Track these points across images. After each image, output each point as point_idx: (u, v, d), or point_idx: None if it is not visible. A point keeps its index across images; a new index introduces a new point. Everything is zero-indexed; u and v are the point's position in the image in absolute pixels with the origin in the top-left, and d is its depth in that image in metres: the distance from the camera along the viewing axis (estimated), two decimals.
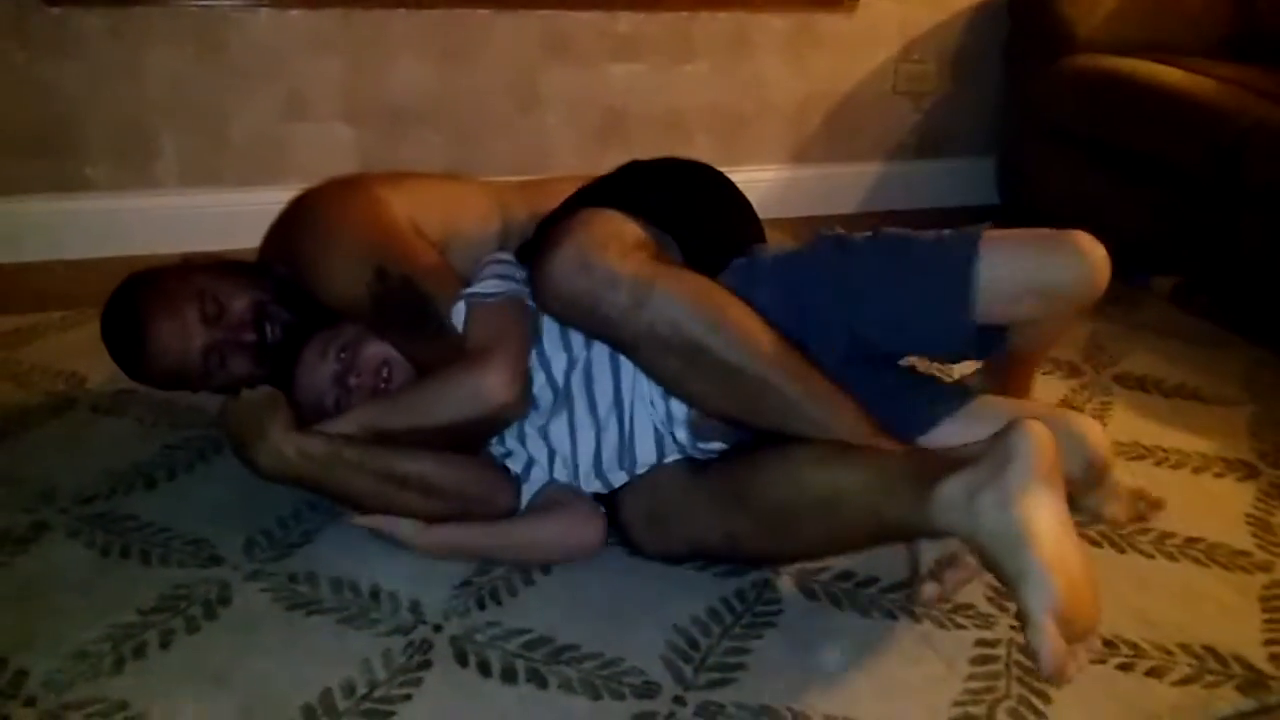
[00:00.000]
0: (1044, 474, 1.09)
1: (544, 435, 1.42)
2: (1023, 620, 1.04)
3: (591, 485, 1.41)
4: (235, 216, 2.29)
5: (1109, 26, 2.66)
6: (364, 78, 2.48)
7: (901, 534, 1.25)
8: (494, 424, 1.37)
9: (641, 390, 1.38)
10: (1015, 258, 1.35)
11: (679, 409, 1.37)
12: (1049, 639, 1.01)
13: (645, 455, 1.39)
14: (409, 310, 1.38)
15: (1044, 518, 1.06)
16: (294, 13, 2.38)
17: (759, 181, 1.64)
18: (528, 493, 1.41)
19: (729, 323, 1.26)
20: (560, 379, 1.40)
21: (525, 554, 1.37)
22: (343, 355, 1.41)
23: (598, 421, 1.39)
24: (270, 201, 1.58)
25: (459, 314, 1.37)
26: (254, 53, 2.39)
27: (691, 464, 1.39)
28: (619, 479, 1.40)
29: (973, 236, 1.36)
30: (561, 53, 2.61)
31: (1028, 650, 1.02)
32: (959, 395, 1.44)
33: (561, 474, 1.42)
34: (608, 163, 1.58)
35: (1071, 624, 1.03)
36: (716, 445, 1.38)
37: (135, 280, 1.52)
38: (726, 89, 2.80)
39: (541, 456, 1.42)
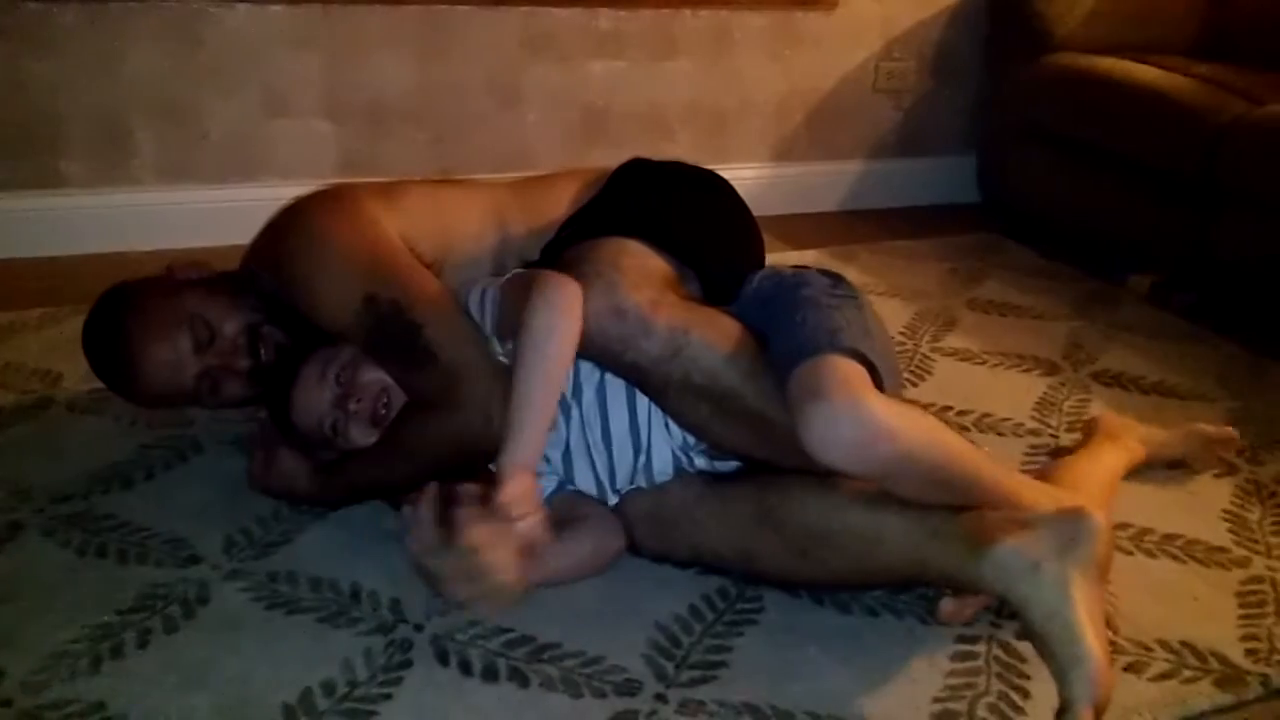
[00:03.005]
0: (1100, 564, 1.14)
1: (559, 456, 1.38)
2: (1063, 703, 1.06)
3: (607, 497, 1.38)
4: (213, 214, 2.29)
5: (1087, 26, 2.69)
6: (343, 74, 2.47)
7: (938, 582, 1.26)
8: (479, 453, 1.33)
9: (659, 415, 1.34)
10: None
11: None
12: None
13: (663, 477, 1.37)
14: (398, 339, 1.33)
15: (1093, 607, 1.11)
16: (273, 8, 2.37)
17: (740, 179, 1.63)
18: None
19: (762, 370, 1.24)
20: (570, 400, 1.36)
21: (559, 576, 1.32)
22: (341, 379, 1.37)
23: (610, 446, 1.35)
24: (249, 199, 1.57)
25: (474, 302, 1.34)
26: (232, 48, 2.37)
27: (704, 474, 1.36)
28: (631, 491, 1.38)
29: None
30: (542, 49, 2.61)
31: None
32: None
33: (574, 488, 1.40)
34: (590, 160, 1.57)
35: (1100, 714, 1.05)
36: (734, 462, 1.36)
37: (120, 298, 1.45)
38: (708, 86, 2.80)
39: (550, 477, 1.39)
